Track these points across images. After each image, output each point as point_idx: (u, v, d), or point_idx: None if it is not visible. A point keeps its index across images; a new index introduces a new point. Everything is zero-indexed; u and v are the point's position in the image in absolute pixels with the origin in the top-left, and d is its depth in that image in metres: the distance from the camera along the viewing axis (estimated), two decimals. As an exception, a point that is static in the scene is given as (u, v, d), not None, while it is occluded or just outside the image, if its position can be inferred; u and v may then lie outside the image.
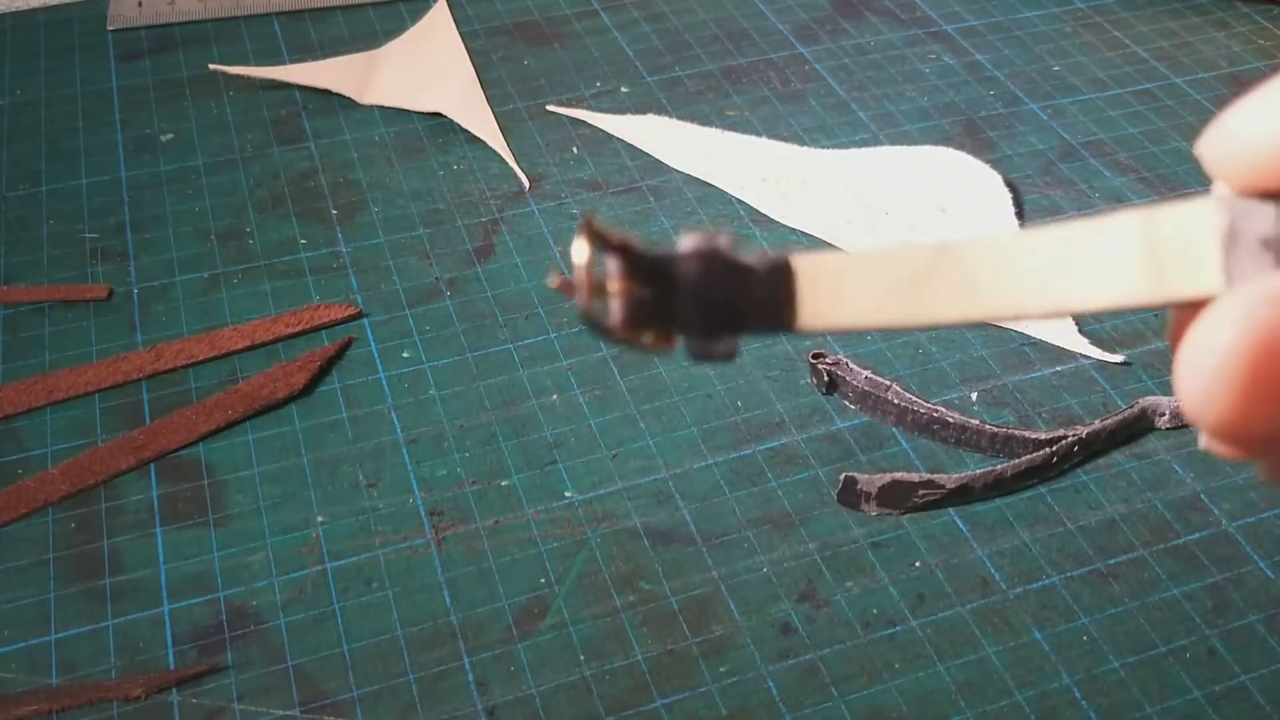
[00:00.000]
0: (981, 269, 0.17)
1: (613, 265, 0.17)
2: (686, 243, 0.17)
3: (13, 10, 0.70)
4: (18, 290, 0.51)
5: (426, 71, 0.64)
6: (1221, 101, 0.58)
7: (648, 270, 0.17)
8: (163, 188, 0.57)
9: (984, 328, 0.49)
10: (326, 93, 0.63)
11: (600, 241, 0.17)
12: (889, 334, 0.49)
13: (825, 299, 0.18)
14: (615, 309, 0.17)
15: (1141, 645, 0.38)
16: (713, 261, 0.17)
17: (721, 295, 0.17)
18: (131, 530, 0.42)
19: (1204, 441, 0.17)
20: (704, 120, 0.61)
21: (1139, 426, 0.45)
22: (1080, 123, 0.60)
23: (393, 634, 0.39)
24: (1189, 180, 0.57)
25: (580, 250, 0.17)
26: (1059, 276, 0.17)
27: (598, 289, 0.17)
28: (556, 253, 0.53)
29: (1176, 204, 0.17)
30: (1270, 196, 0.16)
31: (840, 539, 0.41)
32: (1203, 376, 0.14)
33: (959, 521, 0.42)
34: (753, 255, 0.18)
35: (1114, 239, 0.17)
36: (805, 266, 0.18)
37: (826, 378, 0.46)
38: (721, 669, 0.38)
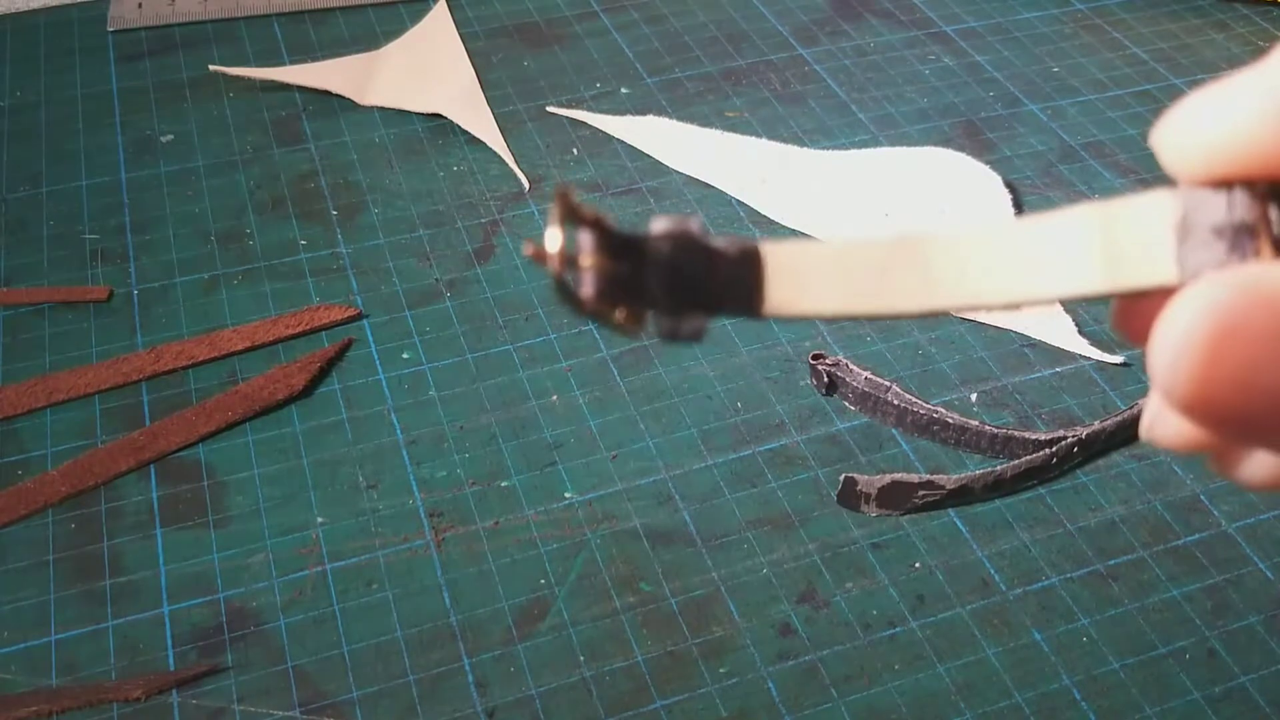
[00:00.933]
0: (942, 262, 0.18)
1: (586, 240, 0.17)
2: (658, 225, 0.18)
3: (13, 11, 0.70)
4: (18, 292, 0.51)
5: (426, 73, 0.64)
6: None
7: (620, 246, 0.18)
8: (163, 189, 0.57)
9: (984, 328, 0.49)
10: (326, 94, 0.63)
11: (574, 216, 0.17)
12: (888, 335, 0.49)
13: (791, 286, 0.18)
14: (587, 282, 0.17)
15: (1141, 646, 0.38)
16: (683, 242, 0.18)
17: (690, 274, 0.18)
18: (131, 531, 0.42)
19: (1144, 430, 0.19)
20: (704, 121, 0.61)
21: (1138, 428, 0.45)
22: (1080, 124, 0.60)
23: (393, 635, 0.39)
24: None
25: (555, 221, 0.17)
26: (1016, 269, 0.18)
27: (571, 262, 0.17)
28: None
29: (1131, 197, 0.17)
30: (1221, 185, 0.16)
31: (840, 540, 0.41)
32: (1168, 353, 0.15)
33: (959, 522, 0.42)
34: (722, 240, 0.18)
35: (1070, 232, 0.17)
36: (773, 254, 0.18)
37: (826, 379, 0.46)
38: (721, 670, 0.38)
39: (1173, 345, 0.15)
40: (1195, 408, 0.15)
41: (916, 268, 0.18)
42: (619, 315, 0.18)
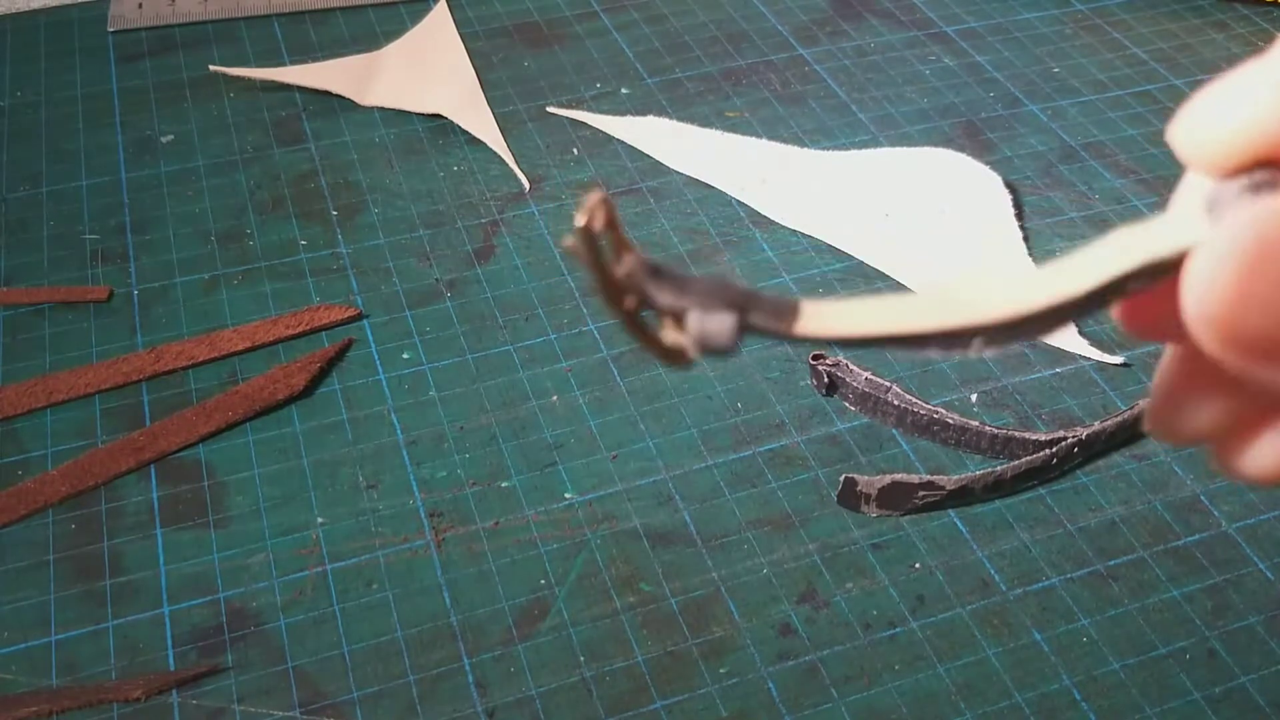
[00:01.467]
0: (974, 296, 0.18)
1: (625, 259, 0.18)
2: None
3: (13, 11, 0.70)
4: (18, 292, 0.51)
5: (427, 73, 0.64)
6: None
7: (653, 268, 0.18)
8: (163, 189, 0.57)
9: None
10: (327, 94, 0.63)
11: (611, 226, 0.17)
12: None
13: (825, 320, 0.18)
14: (624, 263, 0.17)
15: (1141, 647, 0.38)
16: (720, 280, 0.18)
17: (724, 289, 0.18)
18: (132, 531, 0.42)
19: (1148, 421, 0.19)
20: (704, 122, 0.61)
21: (1139, 428, 0.45)
22: (1080, 124, 0.60)
23: (393, 635, 0.39)
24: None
25: (587, 216, 0.17)
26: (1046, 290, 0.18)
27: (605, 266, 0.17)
28: (557, 254, 0.53)
29: (1153, 218, 0.17)
30: (1239, 173, 0.16)
31: (840, 540, 0.41)
32: (1203, 278, 0.15)
33: (959, 523, 0.42)
34: (760, 291, 0.18)
35: (1098, 257, 0.17)
36: (810, 308, 0.18)
37: (826, 379, 0.46)
38: (721, 670, 0.38)
39: (1207, 270, 0.15)
40: (1226, 332, 0.15)
41: (948, 303, 0.18)
42: (666, 332, 0.18)
